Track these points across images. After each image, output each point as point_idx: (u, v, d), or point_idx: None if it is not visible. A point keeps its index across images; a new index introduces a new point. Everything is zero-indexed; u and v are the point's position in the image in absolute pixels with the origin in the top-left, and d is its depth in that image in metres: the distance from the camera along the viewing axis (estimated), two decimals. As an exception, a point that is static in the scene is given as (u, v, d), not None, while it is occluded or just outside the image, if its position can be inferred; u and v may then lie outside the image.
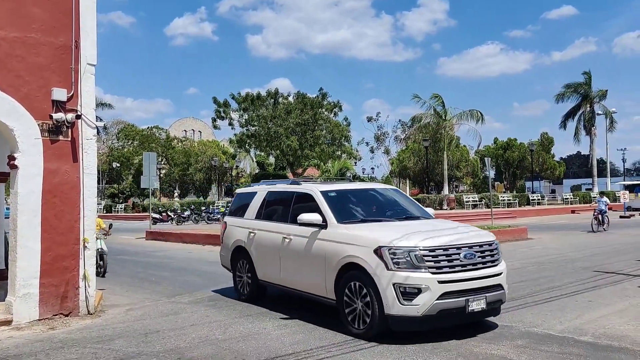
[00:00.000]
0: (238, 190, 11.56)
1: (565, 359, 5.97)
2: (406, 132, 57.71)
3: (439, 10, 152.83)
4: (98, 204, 55.48)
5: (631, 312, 8.15)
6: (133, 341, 7.20)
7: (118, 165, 72.58)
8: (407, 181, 66.74)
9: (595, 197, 41.36)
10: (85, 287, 8.81)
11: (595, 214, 23.84)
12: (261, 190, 9.95)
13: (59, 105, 8.57)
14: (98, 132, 42.12)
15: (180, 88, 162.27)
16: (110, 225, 14.53)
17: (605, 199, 25.16)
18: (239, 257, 9.87)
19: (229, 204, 43.28)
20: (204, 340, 7.16)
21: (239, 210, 10.36)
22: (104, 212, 62.79)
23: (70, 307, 8.64)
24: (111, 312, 9.15)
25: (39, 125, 8.39)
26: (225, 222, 10.60)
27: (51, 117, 8.47)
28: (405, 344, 6.63)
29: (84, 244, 8.82)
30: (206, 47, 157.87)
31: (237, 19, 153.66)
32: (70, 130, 8.73)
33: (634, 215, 34.62)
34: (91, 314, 8.80)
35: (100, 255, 13.08)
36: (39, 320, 8.24)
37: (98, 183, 56.98)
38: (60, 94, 8.56)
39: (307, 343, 6.87)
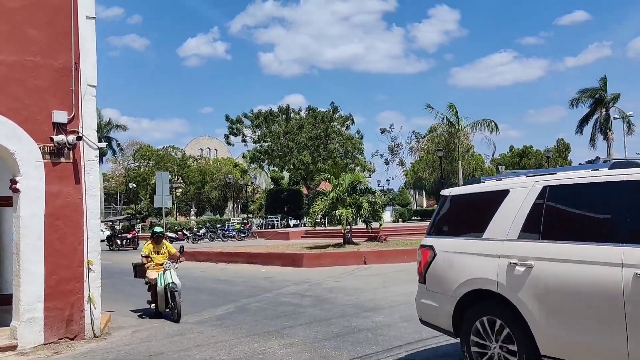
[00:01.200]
0: (452, 192, 6.30)
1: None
2: (420, 143, 57.37)
3: (450, 20, 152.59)
4: (115, 224, 55.97)
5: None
6: (136, 364, 7.07)
7: (134, 185, 73.10)
8: (423, 192, 66.39)
9: None
10: (91, 309, 8.72)
11: None
12: (522, 185, 5.32)
13: (59, 128, 8.55)
14: (115, 153, 42.79)
15: (195, 107, 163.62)
16: (182, 249, 11.27)
17: None
18: (480, 313, 5.30)
19: (244, 221, 42.78)
20: (208, 362, 7.01)
21: (462, 224, 6.08)
22: (122, 232, 63.20)
23: (76, 331, 8.55)
24: (117, 334, 9.04)
25: (40, 148, 8.36)
26: (432, 248, 6.03)
27: (52, 139, 8.45)
28: (412, 357, 6.43)
29: (88, 266, 8.74)
30: (219, 66, 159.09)
31: (249, 38, 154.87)
32: (71, 152, 8.70)
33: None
34: (97, 337, 8.70)
35: (171, 292, 9.89)
36: (44, 344, 8.15)
37: (115, 204, 57.25)
38: (60, 116, 8.53)
39: (312, 362, 6.69)
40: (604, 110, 50.64)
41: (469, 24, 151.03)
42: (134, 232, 40.95)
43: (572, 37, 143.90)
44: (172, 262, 10.43)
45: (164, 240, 11.03)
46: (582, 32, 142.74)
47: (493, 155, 58.33)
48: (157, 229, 11.20)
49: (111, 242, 37.37)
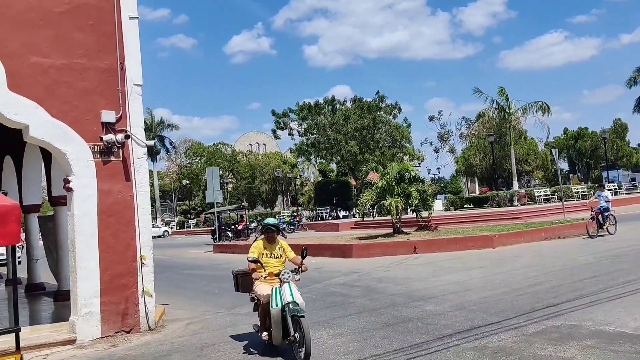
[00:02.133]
0: None
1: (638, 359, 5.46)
2: (470, 129, 56.20)
3: (497, 2, 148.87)
4: (171, 220, 56.88)
5: None
6: (188, 356, 7.21)
7: (188, 182, 74.74)
8: (475, 179, 65.12)
9: (577, 193, 37.95)
10: (145, 303, 8.94)
11: (594, 213, 18.08)
12: None
13: (108, 127, 8.79)
14: (168, 152, 43.08)
15: (243, 103, 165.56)
16: (304, 252, 7.36)
17: (606, 193, 18.81)
18: None
19: (294, 213, 42.99)
20: (258, 353, 7.06)
21: None
22: (177, 228, 64.83)
23: (131, 324, 8.79)
24: (171, 326, 9.24)
25: (90, 147, 8.62)
26: None
27: (101, 138, 8.69)
28: (463, 346, 6.30)
29: (141, 261, 8.96)
30: (265, 62, 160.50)
31: (293, 31, 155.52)
32: (120, 150, 8.93)
33: None
34: (152, 330, 8.92)
35: (294, 318, 6.50)
36: (101, 338, 8.42)
37: (170, 201, 58.22)
38: (108, 115, 8.77)
39: (361, 352, 6.65)
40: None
41: (517, 5, 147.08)
42: (244, 222, 37.23)
43: (625, 13, 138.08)
44: (293, 272, 6.99)
45: (278, 238, 7.62)
46: (637, 7, 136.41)
47: (547, 138, 56.60)
48: (270, 220, 7.64)
49: (218, 234, 32.93)
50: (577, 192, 39.45)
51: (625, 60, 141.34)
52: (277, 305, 6.63)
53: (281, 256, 7.42)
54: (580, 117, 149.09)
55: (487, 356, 6.00)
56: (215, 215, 32.05)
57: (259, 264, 7.14)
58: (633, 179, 61.91)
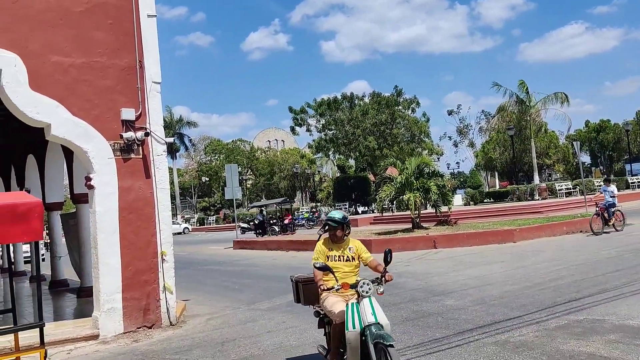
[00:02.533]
0: None
1: (666, 354, 5.37)
2: (489, 123, 55.67)
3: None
4: (191, 217, 57.23)
5: None
6: (209, 350, 7.26)
7: (207, 179, 75.23)
8: (495, 173, 64.55)
9: (599, 187, 36.67)
10: (166, 299, 9.03)
11: (599, 209, 17.13)
12: None
13: (128, 125, 8.87)
14: (187, 149, 43.12)
15: (261, 100, 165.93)
16: (389, 255, 5.44)
17: (612, 188, 17.86)
18: None
19: (313, 209, 42.54)
20: (278, 347, 7.10)
21: None
22: (197, 225, 65.36)
23: (153, 319, 8.89)
24: (192, 322, 9.33)
25: (110, 145, 8.71)
26: None
27: (121, 136, 8.78)
28: (484, 341, 6.25)
29: (162, 257, 9.05)
30: (282, 58, 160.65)
31: (310, 27, 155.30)
32: (140, 147, 9.01)
33: None
34: (173, 325, 9.01)
35: (378, 346, 4.73)
36: (123, 333, 8.52)
37: (190, 198, 58.46)
38: (128, 113, 8.86)
39: (381, 346, 6.63)
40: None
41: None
42: (290, 216, 36.73)
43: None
44: (374, 283, 5.14)
45: (348, 237, 5.82)
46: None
47: (568, 130, 55.86)
48: (335, 213, 5.80)
49: (262, 229, 32.34)
50: (600, 186, 38.86)
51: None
52: (354, 327, 4.87)
53: (354, 259, 5.70)
54: (602, 109, 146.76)
55: (508, 351, 5.95)
56: (260, 209, 31.76)
57: (327, 272, 5.32)
58: (657, 172, 60.87)
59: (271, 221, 34.57)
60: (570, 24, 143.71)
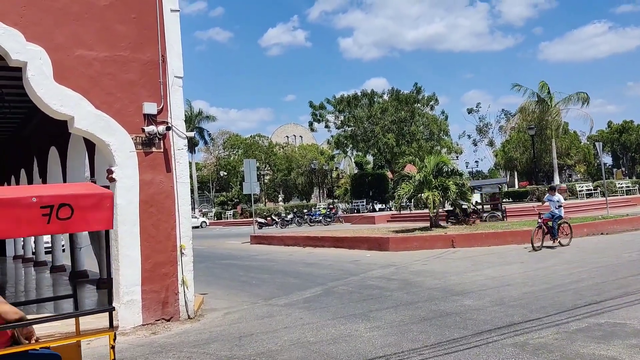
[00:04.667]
0: None
1: (690, 361, 5.27)
2: (509, 122, 55.17)
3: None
4: (209, 211, 57.54)
5: None
6: (227, 345, 7.30)
7: (225, 174, 75.60)
8: (515, 173, 63.91)
9: (619, 186, 35.83)
10: (185, 292, 9.09)
11: (541, 221, 15.36)
12: None
13: (150, 119, 8.93)
14: (206, 143, 43.53)
15: (279, 95, 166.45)
16: None
17: (558, 197, 15.98)
18: None
19: (330, 206, 42.89)
20: (295, 343, 7.11)
21: None
22: (215, 219, 65.71)
23: (171, 312, 8.95)
24: (210, 316, 9.38)
25: (132, 138, 8.78)
26: None
27: (143, 130, 8.84)
28: (503, 342, 6.20)
29: (180, 251, 9.11)
30: (300, 54, 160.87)
31: (328, 24, 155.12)
32: (162, 141, 9.07)
33: None
34: (191, 319, 9.07)
35: None
36: (142, 325, 8.60)
37: (208, 192, 58.80)
38: (150, 107, 8.91)
39: (398, 345, 6.61)
40: None
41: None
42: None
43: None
44: None
45: None
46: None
47: (590, 131, 55.18)
48: None
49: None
50: (621, 187, 38.34)
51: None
52: None
53: None
54: (626, 109, 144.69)
55: (527, 353, 5.90)
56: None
57: None
58: (681, 174, 59.80)
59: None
60: (593, 23, 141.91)
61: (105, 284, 11.88)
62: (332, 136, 49.90)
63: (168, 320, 8.87)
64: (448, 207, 23.13)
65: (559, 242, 15.34)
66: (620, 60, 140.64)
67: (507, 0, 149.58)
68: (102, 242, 12.47)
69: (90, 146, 12.09)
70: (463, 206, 25.88)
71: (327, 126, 48.57)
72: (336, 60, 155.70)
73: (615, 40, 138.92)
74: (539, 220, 15.40)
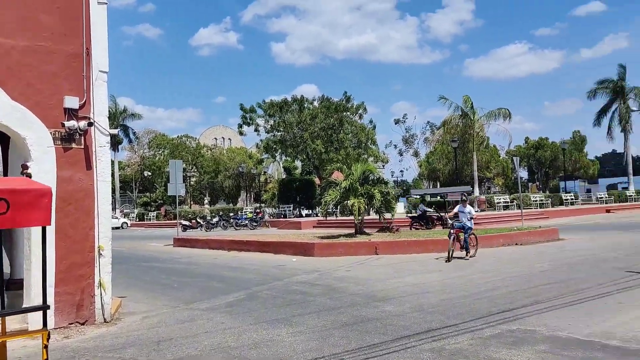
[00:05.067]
0: None
1: (591, 365, 5.62)
2: (434, 134, 57.03)
3: (464, 10, 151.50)
4: (131, 212, 55.83)
5: (665, 314, 7.70)
6: (144, 349, 7.09)
7: (149, 174, 73.58)
8: (437, 183, 65.99)
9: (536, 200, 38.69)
10: (102, 295, 8.76)
11: (454, 232, 15.36)
12: None
13: (71, 113, 8.57)
14: (130, 142, 42.21)
15: (209, 97, 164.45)
16: None
17: (469, 208, 16.00)
18: None
19: (257, 210, 42.69)
20: (216, 348, 7.00)
21: None
22: (137, 220, 63.79)
23: (86, 316, 8.60)
24: (128, 319, 9.08)
25: (51, 133, 8.38)
26: None
27: (63, 125, 8.47)
28: (421, 347, 6.37)
29: (99, 252, 8.78)
30: (232, 56, 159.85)
31: (261, 27, 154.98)
32: (83, 137, 8.72)
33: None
34: (107, 322, 8.75)
35: None
36: (54, 329, 8.18)
37: (130, 192, 56.99)
38: (72, 101, 8.55)
39: (320, 350, 6.66)
40: (622, 102, 49.85)
41: (484, 14, 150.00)
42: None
43: (587, 28, 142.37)
44: None
45: None
46: (598, 23, 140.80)
47: (509, 146, 57.98)
48: None
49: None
50: (535, 201, 40.46)
51: (586, 74, 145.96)
52: None
53: None
54: (542, 127, 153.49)
55: (443, 358, 6.09)
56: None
57: None
58: (588, 190, 63.86)
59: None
60: (515, 43, 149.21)
61: (15, 285, 11.26)
62: (261, 140, 49.67)
63: (83, 324, 8.51)
64: (373, 214, 23.53)
65: (467, 252, 15.48)
66: (538, 81, 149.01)
67: (435, 16, 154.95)
68: (16, 241, 11.82)
69: (3, 139, 11.43)
70: (427, 213, 26.75)
71: (256, 130, 48.32)
72: (268, 64, 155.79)
73: (535, 61, 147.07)
74: (452, 231, 15.52)
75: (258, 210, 45.98)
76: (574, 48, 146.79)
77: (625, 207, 41.28)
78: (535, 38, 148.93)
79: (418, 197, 41.87)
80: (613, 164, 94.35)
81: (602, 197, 45.61)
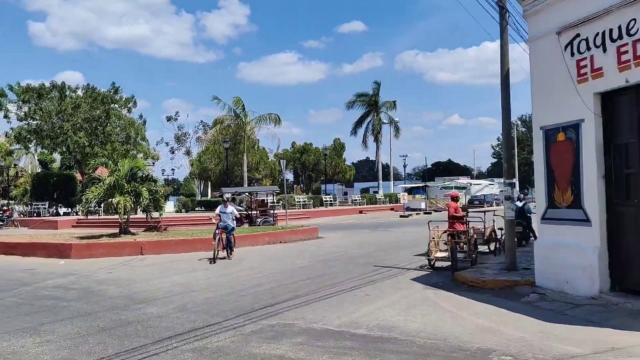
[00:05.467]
0: None
1: (340, 352, 6.11)
2: (207, 134, 56.98)
3: (240, 13, 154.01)
4: None
5: (402, 303, 8.76)
6: None
7: None
8: (209, 183, 66.08)
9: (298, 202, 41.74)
10: None
11: (218, 232, 15.30)
12: None
13: None
14: None
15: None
16: None
17: (231, 209, 16.22)
18: None
19: (4, 207, 37.83)
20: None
21: None
22: None
23: None
24: None
25: None
26: None
27: None
28: (182, 348, 6.27)
29: None
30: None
31: (17, 3, 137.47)
32: None
33: (411, 214, 38.29)
34: None
35: None
36: None
37: None
38: None
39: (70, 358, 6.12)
40: (375, 114, 55.80)
41: (258, 21, 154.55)
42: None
43: (349, 45, 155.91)
44: None
45: None
46: (359, 41, 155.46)
47: (277, 149, 60.72)
48: None
49: None
50: (299, 202, 43.02)
51: (346, 87, 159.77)
52: None
53: None
54: (308, 133, 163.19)
55: (205, 357, 6.07)
56: None
57: None
58: (345, 193, 70.26)
59: None
60: (285, 52, 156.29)
61: None
62: (11, 129, 44.08)
63: None
64: (141, 213, 22.58)
65: (230, 252, 15.54)
66: (305, 89, 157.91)
67: (211, 16, 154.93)
68: None
69: None
70: (242, 212, 26.71)
71: (6, 117, 42.72)
72: (24, 44, 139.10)
73: (303, 70, 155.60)
74: (216, 231, 15.33)
75: (5, 208, 40.82)
76: (338, 62, 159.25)
77: (375, 209, 46.34)
78: (304, 49, 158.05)
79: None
80: (366, 169, 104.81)
81: (356, 200, 50.73)
